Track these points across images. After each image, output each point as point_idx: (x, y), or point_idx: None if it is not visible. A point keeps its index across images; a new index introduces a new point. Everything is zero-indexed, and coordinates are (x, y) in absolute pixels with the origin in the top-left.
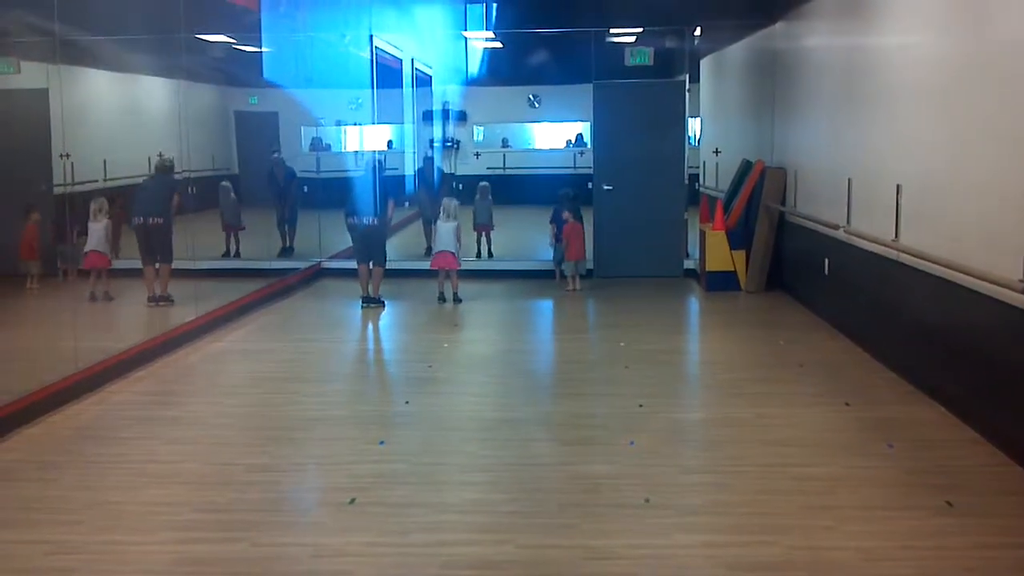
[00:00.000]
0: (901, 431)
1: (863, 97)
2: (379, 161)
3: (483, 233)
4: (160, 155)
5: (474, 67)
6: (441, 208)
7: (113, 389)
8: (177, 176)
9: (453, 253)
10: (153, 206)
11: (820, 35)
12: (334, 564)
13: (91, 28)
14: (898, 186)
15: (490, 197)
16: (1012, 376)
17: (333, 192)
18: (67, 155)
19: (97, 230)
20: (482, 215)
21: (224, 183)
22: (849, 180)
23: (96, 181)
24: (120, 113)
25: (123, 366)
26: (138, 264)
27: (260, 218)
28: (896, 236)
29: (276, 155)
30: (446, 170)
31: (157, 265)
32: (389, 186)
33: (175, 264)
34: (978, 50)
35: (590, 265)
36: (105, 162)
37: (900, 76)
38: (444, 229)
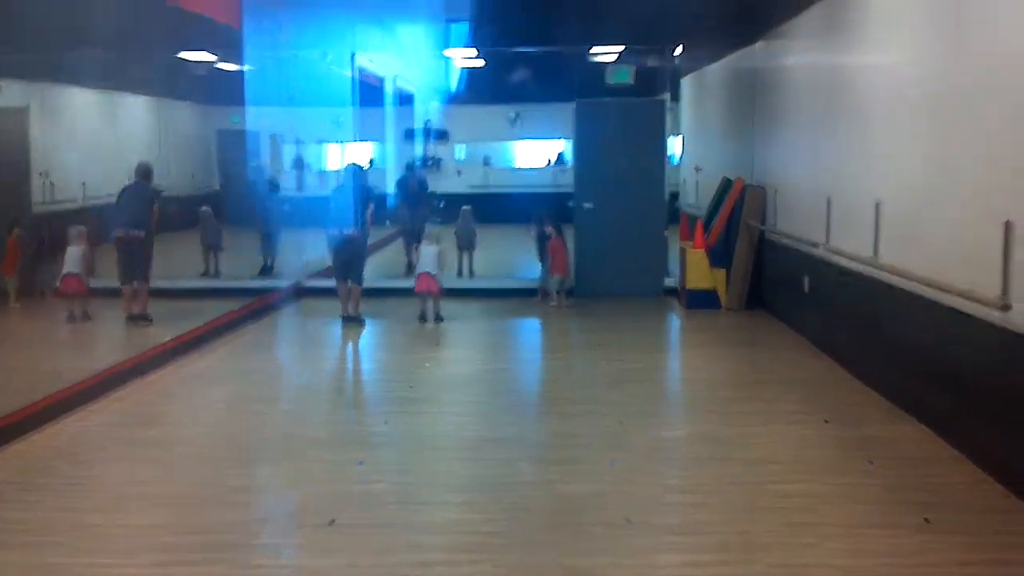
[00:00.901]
0: (881, 449)
1: (842, 116)
2: (359, 170)
3: (466, 253)
4: (140, 161)
5: (456, 85)
6: (424, 234)
7: (92, 409)
8: (157, 187)
9: (434, 276)
10: (133, 217)
11: (800, 55)
12: None
13: (73, 47)
14: (877, 204)
15: (472, 222)
16: (991, 394)
17: (314, 210)
18: (46, 174)
19: (74, 253)
20: (465, 237)
21: (204, 208)
22: (828, 198)
23: (75, 201)
24: (101, 131)
25: (101, 386)
26: (116, 284)
27: (241, 237)
28: (875, 254)
29: (257, 164)
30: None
31: (135, 284)
32: (369, 193)
33: (153, 284)
34: (957, 69)
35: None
36: (84, 184)
37: (879, 95)
38: (427, 252)
